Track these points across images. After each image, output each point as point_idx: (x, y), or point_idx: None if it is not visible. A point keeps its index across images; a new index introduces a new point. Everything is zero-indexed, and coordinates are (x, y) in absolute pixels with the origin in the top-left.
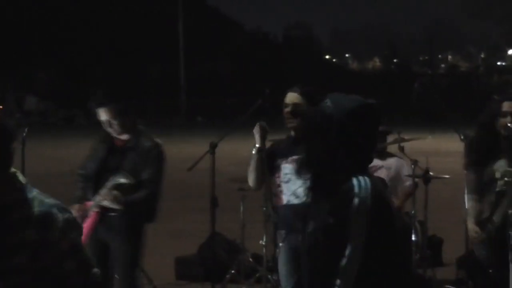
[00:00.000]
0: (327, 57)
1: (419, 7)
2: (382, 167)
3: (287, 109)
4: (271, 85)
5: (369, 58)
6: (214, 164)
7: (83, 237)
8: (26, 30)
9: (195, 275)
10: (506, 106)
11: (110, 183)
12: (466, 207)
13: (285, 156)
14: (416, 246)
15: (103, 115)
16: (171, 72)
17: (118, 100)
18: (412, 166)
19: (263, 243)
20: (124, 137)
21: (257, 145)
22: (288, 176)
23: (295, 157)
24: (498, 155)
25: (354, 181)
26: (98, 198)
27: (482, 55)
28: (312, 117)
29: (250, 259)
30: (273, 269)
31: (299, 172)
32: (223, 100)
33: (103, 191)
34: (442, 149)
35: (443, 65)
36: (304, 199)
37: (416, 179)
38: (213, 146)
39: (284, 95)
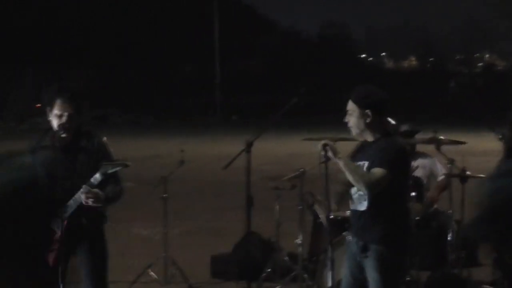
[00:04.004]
0: (362, 56)
1: (456, 5)
2: (418, 167)
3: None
4: (306, 84)
5: (405, 57)
6: (249, 162)
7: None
8: (61, 31)
9: (230, 274)
10: None
11: (93, 180)
12: None
13: (354, 160)
14: (452, 246)
15: (65, 106)
16: (206, 71)
17: (77, 97)
18: (449, 165)
19: (299, 242)
20: (66, 135)
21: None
22: None
23: (359, 162)
24: None
25: None
26: (79, 198)
27: None
28: None
29: (286, 258)
30: (308, 268)
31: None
32: (258, 99)
33: (84, 190)
34: (479, 149)
35: (480, 64)
36: (356, 205)
37: (452, 179)
38: (248, 145)
39: (319, 93)
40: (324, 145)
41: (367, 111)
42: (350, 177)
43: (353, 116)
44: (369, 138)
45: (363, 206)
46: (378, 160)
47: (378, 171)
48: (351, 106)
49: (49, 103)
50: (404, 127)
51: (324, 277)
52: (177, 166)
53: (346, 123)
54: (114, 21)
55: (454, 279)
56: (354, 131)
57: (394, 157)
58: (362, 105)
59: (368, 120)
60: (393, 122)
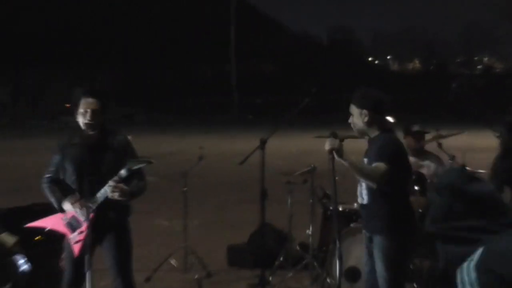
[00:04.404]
0: (369, 59)
1: (456, 10)
2: (423, 166)
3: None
4: (317, 85)
5: (409, 60)
6: (264, 158)
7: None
8: (91, 36)
9: (246, 262)
10: None
11: (118, 176)
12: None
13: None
14: None
15: (89, 104)
16: (223, 73)
17: (101, 96)
18: (450, 161)
19: (309, 233)
20: (93, 133)
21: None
22: None
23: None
24: None
25: None
26: (105, 192)
27: None
28: None
29: (297, 248)
30: (318, 257)
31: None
32: (271, 99)
33: (111, 184)
34: (478, 146)
35: (479, 66)
36: (361, 199)
37: None
38: (263, 142)
39: (328, 94)
40: (331, 150)
41: (365, 110)
42: (358, 176)
43: (353, 116)
44: (369, 135)
45: (365, 200)
46: (379, 155)
47: (380, 165)
48: (351, 107)
49: (76, 102)
50: (415, 128)
51: (333, 265)
52: (196, 162)
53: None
54: (140, 28)
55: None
56: (355, 130)
57: (392, 151)
58: (360, 105)
59: (366, 119)
60: (392, 120)
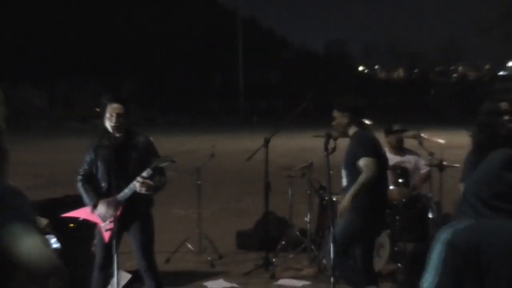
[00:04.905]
0: (360, 68)
1: (436, 27)
2: (404, 162)
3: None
4: (314, 91)
5: (394, 69)
6: (267, 155)
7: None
8: (116, 48)
9: (252, 246)
10: (504, 106)
11: (146, 172)
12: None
13: None
14: (433, 223)
15: (115, 109)
16: (232, 80)
17: (125, 101)
18: (429, 157)
19: (307, 220)
20: (119, 135)
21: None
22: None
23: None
24: (498, 149)
25: None
26: (134, 186)
27: (487, 66)
28: None
29: (297, 233)
30: (316, 241)
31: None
32: (274, 103)
33: (139, 181)
34: (454, 144)
35: (455, 75)
36: (344, 183)
37: (432, 167)
38: (266, 141)
39: (324, 99)
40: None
41: (345, 113)
42: (362, 191)
43: (336, 119)
44: (349, 135)
45: (344, 182)
46: (363, 151)
47: (366, 161)
48: (334, 111)
49: (103, 108)
50: (396, 127)
51: (328, 248)
52: (209, 159)
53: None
54: (160, 41)
55: None
56: (338, 131)
57: (371, 145)
58: (340, 109)
59: (345, 121)
60: (368, 122)
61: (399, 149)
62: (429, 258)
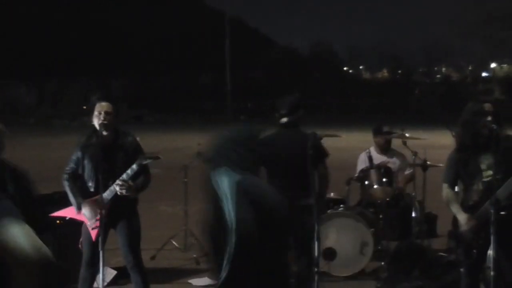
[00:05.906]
0: (345, 68)
1: (420, 27)
2: (389, 162)
3: None
4: (299, 91)
5: (379, 69)
6: None
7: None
8: (104, 46)
9: None
10: (487, 107)
11: (130, 169)
12: (444, 194)
13: None
14: (416, 221)
15: (103, 107)
16: (220, 79)
17: (113, 100)
18: (413, 156)
19: None
20: (107, 133)
21: None
22: None
23: None
24: (481, 149)
25: None
26: (114, 189)
27: (470, 68)
28: None
29: None
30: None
31: None
32: (261, 103)
33: (118, 183)
34: (437, 143)
35: (438, 76)
36: None
37: (415, 168)
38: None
39: (309, 98)
40: None
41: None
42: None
43: None
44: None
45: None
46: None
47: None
48: None
49: (92, 106)
50: (385, 128)
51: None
52: (195, 157)
53: (330, 121)
54: (148, 40)
55: (417, 248)
56: None
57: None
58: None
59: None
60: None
61: (386, 150)
62: None
